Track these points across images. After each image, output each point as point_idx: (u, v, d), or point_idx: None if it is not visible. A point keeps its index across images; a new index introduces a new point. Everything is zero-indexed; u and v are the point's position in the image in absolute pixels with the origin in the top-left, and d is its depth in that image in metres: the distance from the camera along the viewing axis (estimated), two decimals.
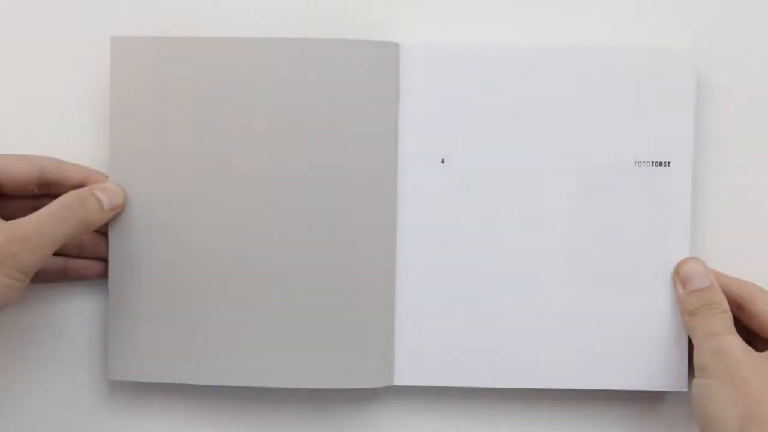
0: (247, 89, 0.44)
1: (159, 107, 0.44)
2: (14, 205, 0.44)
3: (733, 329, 0.42)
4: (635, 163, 0.44)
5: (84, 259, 0.45)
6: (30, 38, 0.47)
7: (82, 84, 0.46)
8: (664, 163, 0.44)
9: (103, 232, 0.45)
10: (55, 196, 0.42)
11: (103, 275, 0.45)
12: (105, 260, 0.45)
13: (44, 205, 0.41)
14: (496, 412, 0.47)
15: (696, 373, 0.41)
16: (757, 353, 0.41)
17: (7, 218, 0.40)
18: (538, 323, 0.45)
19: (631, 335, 0.45)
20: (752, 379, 0.39)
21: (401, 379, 0.45)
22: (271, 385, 0.45)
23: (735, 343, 0.41)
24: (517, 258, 0.45)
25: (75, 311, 0.47)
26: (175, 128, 0.44)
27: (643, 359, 0.44)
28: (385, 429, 0.47)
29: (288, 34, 0.45)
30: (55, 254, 0.41)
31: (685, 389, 0.44)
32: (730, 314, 0.42)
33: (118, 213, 0.44)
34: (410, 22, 0.46)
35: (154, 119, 0.44)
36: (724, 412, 0.39)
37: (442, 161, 0.45)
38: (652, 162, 0.44)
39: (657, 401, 0.47)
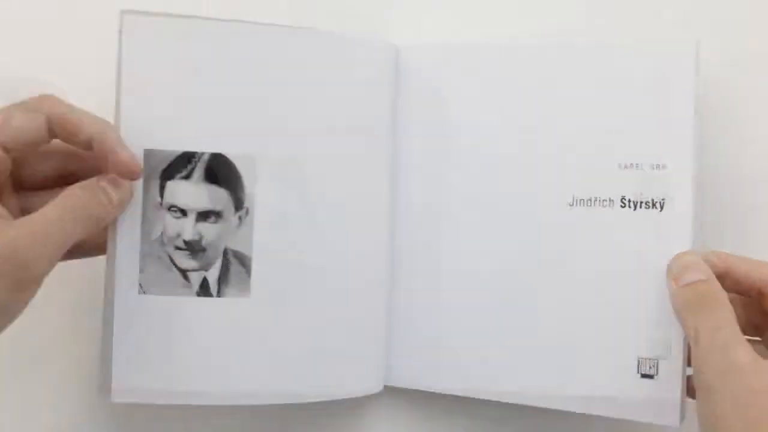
0: (247, 77, 0.42)
1: (170, 86, 0.41)
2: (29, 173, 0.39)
3: (736, 328, 0.36)
4: (629, 165, 0.43)
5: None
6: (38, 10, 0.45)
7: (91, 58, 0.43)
8: (661, 165, 0.42)
9: None
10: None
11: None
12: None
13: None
14: (489, 414, 0.46)
15: (698, 389, 0.36)
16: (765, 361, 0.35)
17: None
18: (531, 330, 0.43)
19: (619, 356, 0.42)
20: (760, 395, 0.34)
21: (395, 381, 0.45)
22: (264, 402, 0.43)
23: (741, 356, 0.35)
24: (513, 261, 0.44)
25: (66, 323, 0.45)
26: (184, 109, 0.41)
27: (636, 386, 0.42)
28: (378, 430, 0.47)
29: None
30: None
31: (677, 425, 0.40)
32: (730, 308, 0.37)
33: (125, 208, 0.40)
34: (410, 22, 0.46)
35: (165, 98, 0.41)
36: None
37: (444, 163, 0.45)
38: (651, 165, 0.42)
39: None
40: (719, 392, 0.35)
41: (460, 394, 0.44)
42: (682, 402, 0.40)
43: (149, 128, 0.40)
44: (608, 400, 0.42)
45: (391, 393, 0.46)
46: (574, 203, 0.43)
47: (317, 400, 0.43)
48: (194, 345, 0.41)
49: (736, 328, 0.36)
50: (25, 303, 0.35)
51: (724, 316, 0.37)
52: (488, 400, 0.44)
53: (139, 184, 0.40)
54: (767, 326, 0.40)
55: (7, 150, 0.36)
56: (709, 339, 0.36)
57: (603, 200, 0.42)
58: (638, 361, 0.42)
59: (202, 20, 0.41)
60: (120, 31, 0.40)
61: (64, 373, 0.45)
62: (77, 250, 0.39)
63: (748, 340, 0.36)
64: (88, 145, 0.38)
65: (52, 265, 0.35)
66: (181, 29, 0.41)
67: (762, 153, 0.45)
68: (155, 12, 0.41)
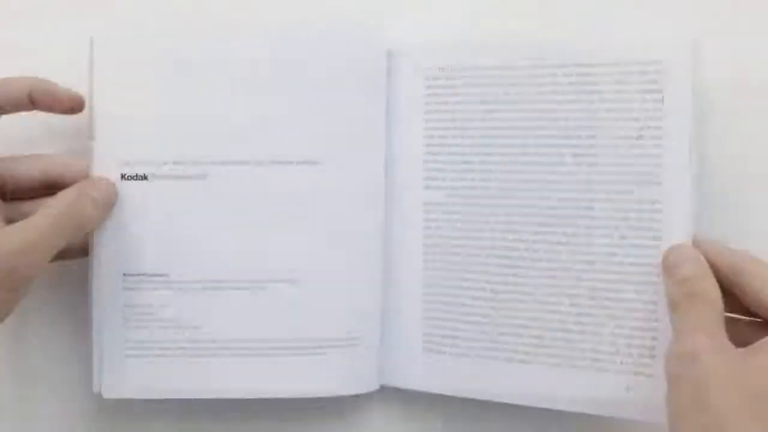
0: (237, 90, 0.43)
1: (145, 108, 0.43)
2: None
3: (717, 326, 0.36)
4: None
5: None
6: (12, 40, 0.46)
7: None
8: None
9: None
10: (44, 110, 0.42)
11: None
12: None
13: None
14: (484, 417, 0.46)
15: (666, 375, 0.36)
16: (734, 353, 0.35)
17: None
18: (516, 336, 0.43)
19: (615, 356, 0.42)
20: (717, 392, 0.33)
21: (388, 381, 0.45)
22: (264, 395, 0.44)
23: (706, 344, 0.35)
24: (511, 260, 0.43)
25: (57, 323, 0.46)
26: (161, 130, 0.43)
27: (628, 385, 0.41)
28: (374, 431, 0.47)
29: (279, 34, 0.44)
30: None
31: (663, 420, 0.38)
32: (718, 306, 0.37)
33: (109, 211, 0.42)
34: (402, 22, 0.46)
35: (140, 119, 0.43)
36: (685, 424, 0.34)
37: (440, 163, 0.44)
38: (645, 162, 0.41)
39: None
40: (676, 374, 0.35)
41: (456, 394, 0.44)
42: None
43: (127, 146, 0.42)
44: (605, 400, 0.42)
45: (387, 393, 0.45)
46: (564, 208, 0.42)
47: (313, 396, 0.44)
48: (184, 338, 0.43)
49: (714, 325, 0.36)
50: (17, 303, 0.38)
51: (705, 314, 0.36)
52: (483, 402, 0.44)
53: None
54: (741, 312, 0.39)
55: None
56: (682, 330, 0.36)
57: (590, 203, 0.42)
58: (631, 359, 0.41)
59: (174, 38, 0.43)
60: (91, 57, 0.42)
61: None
62: (61, 255, 0.40)
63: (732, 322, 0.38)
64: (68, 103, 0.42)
65: (41, 269, 0.38)
66: (155, 48, 0.43)
67: (762, 153, 0.45)
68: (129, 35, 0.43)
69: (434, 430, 0.47)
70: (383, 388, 0.45)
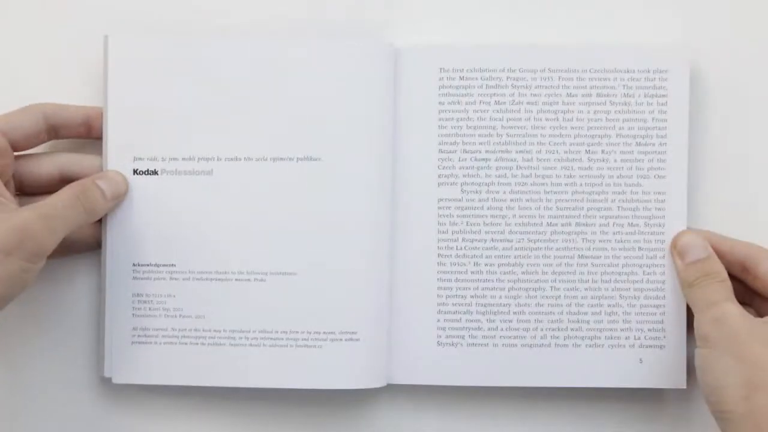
0: (244, 90, 0.44)
1: (155, 105, 0.44)
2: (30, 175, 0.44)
3: (733, 297, 0.41)
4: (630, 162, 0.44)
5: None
6: (26, 37, 0.47)
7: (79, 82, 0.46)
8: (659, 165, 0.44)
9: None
10: (62, 137, 0.44)
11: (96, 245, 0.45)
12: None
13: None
14: (493, 412, 0.46)
15: (698, 343, 0.41)
16: (757, 319, 0.40)
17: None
18: (536, 321, 0.45)
19: (628, 332, 0.44)
20: (753, 346, 0.38)
21: (397, 378, 0.45)
22: (267, 385, 0.44)
23: (733, 310, 0.40)
24: (515, 253, 0.45)
25: (68, 307, 0.46)
26: (170, 127, 0.44)
27: (641, 357, 0.45)
28: (382, 429, 0.46)
29: (287, 34, 0.46)
30: None
31: (684, 387, 0.44)
32: (728, 283, 0.42)
33: (119, 202, 0.44)
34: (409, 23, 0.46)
35: (151, 117, 0.44)
36: (727, 381, 0.38)
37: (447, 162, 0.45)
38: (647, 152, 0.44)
39: (657, 400, 0.46)
40: (712, 339, 0.40)
41: (472, 384, 0.45)
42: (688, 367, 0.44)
43: (138, 143, 0.44)
44: (620, 373, 0.44)
45: (394, 388, 0.45)
46: (578, 200, 0.44)
47: (311, 388, 0.44)
48: (188, 327, 0.44)
49: (732, 297, 0.41)
50: (34, 274, 0.39)
51: (721, 288, 0.41)
52: (492, 393, 0.46)
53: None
54: (751, 300, 0.43)
55: (10, 144, 0.42)
56: (707, 303, 0.41)
57: (602, 201, 0.44)
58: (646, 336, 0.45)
59: (186, 39, 0.45)
60: (105, 55, 0.44)
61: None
62: (76, 248, 0.44)
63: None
64: (82, 126, 0.44)
65: (56, 243, 0.39)
66: (166, 47, 0.44)
67: (760, 151, 0.46)
68: (141, 34, 0.45)
69: (442, 426, 0.46)
70: (390, 386, 0.45)
